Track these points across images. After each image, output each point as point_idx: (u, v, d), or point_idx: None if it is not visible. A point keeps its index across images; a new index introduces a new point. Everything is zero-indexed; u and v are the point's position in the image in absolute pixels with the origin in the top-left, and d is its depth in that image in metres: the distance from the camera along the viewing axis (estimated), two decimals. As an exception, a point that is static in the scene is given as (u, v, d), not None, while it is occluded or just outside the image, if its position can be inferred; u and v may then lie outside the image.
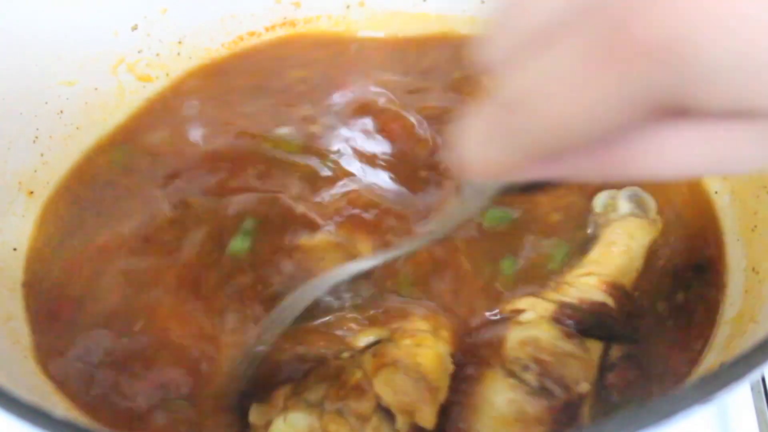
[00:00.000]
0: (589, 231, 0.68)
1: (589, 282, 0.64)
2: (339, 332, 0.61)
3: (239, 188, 0.72)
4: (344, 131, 0.78)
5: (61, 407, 0.58)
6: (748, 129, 0.31)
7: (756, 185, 0.70)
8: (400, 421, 0.54)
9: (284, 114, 0.80)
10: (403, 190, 0.72)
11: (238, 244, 0.67)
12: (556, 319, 0.61)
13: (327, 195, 0.71)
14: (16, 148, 0.73)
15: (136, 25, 0.83)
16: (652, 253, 0.67)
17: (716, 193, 0.72)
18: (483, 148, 0.35)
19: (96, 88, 0.81)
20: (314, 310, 0.61)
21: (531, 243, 0.68)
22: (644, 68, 0.28)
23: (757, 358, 0.42)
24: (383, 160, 0.75)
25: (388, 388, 0.55)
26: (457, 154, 0.36)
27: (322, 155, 0.76)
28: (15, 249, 0.70)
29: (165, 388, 0.60)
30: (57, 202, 0.75)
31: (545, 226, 0.69)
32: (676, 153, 0.32)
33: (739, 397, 0.66)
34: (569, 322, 0.61)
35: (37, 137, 0.76)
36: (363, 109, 0.80)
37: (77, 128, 0.79)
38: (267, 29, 0.90)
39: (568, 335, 0.60)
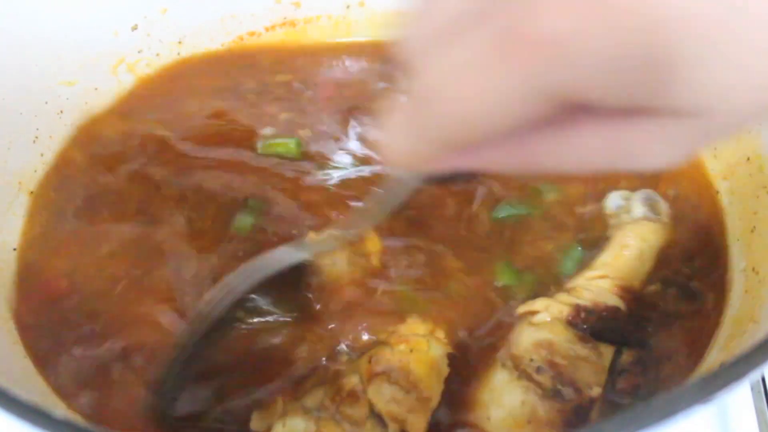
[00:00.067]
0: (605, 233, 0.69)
1: (602, 285, 0.64)
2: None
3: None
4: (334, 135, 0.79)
5: (61, 407, 0.58)
6: (649, 127, 0.33)
7: (756, 185, 0.70)
8: (392, 429, 0.55)
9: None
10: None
11: (243, 221, 0.68)
12: (571, 322, 0.61)
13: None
14: (16, 148, 0.73)
15: (136, 25, 0.83)
16: (660, 256, 0.67)
17: (717, 193, 0.72)
18: (402, 138, 0.37)
19: (96, 88, 0.81)
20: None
21: (540, 244, 0.69)
22: (538, 64, 0.29)
23: (757, 358, 0.42)
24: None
25: (380, 397, 0.56)
26: (381, 144, 0.37)
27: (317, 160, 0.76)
28: (15, 249, 0.70)
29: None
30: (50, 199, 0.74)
31: (555, 226, 0.69)
32: (582, 147, 0.34)
33: (739, 397, 0.66)
34: (584, 325, 0.61)
35: (37, 137, 0.76)
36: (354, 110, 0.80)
37: (77, 128, 0.79)
38: (267, 29, 0.90)
39: (582, 339, 0.60)
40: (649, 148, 0.34)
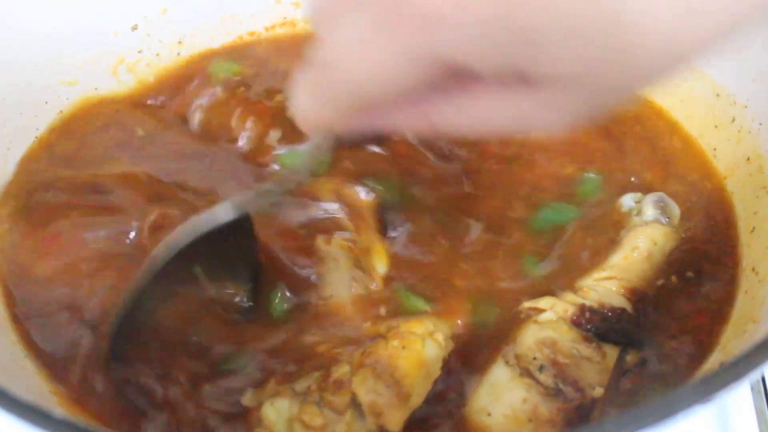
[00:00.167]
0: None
1: (610, 287, 0.64)
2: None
3: None
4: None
5: (60, 407, 0.58)
6: (534, 95, 0.37)
7: (756, 185, 0.70)
8: (369, 421, 0.55)
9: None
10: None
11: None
12: (575, 322, 0.61)
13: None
14: (16, 148, 0.73)
15: (136, 25, 0.83)
16: (667, 256, 0.67)
17: (724, 191, 0.72)
18: (308, 102, 0.40)
19: (96, 88, 0.81)
20: None
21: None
22: (417, 35, 0.33)
23: (757, 358, 0.42)
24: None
25: (362, 388, 0.56)
26: (291, 109, 0.42)
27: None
28: (15, 249, 0.70)
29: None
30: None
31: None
32: (477, 112, 0.39)
33: (739, 397, 0.66)
34: (588, 325, 0.61)
35: (37, 137, 0.76)
36: None
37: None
38: (267, 29, 0.90)
39: (587, 339, 0.60)
40: (537, 114, 0.38)
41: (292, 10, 0.90)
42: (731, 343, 0.60)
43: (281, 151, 0.74)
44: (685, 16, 0.34)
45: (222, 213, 0.57)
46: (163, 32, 0.85)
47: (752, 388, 0.66)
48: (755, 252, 0.66)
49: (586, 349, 0.60)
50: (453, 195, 0.72)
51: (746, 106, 0.73)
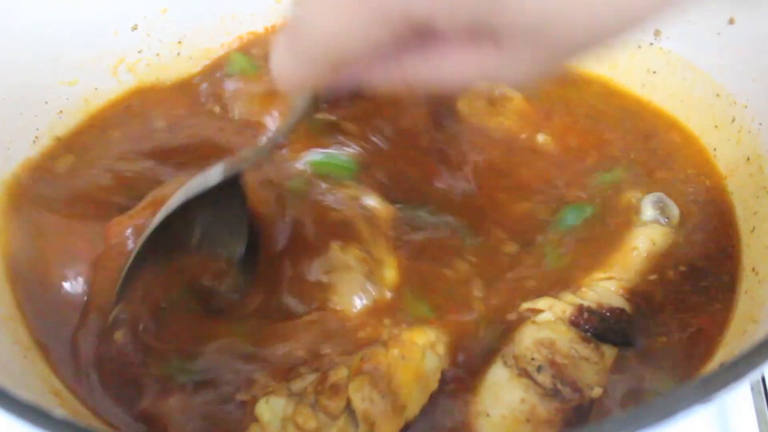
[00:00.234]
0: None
1: (607, 286, 0.64)
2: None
3: None
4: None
5: (60, 407, 0.58)
6: (496, 50, 0.39)
7: (756, 185, 0.70)
8: (362, 429, 0.55)
9: None
10: None
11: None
12: (574, 322, 0.61)
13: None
14: (16, 148, 0.73)
15: (136, 25, 0.83)
16: (666, 257, 0.67)
17: (727, 192, 0.72)
18: (284, 62, 0.43)
19: (96, 88, 0.81)
20: None
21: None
22: None
23: (757, 358, 0.42)
24: None
25: (358, 395, 0.56)
26: (271, 70, 0.44)
27: None
28: (15, 249, 0.70)
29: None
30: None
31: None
32: (447, 66, 0.41)
33: (739, 397, 0.66)
34: (586, 326, 0.61)
35: (37, 137, 0.76)
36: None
37: (77, 128, 0.79)
38: (267, 29, 0.90)
39: (585, 339, 0.61)
40: (501, 68, 0.41)
41: (292, 10, 0.90)
42: (731, 343, 0.60)
43: (315, 156, 0.72)
44: None
45: (214, 175, 0.59)
46: (163, 32, 0.85)
47: (752, 388, 0.66)
48: (755, 252, 0.66)
49: (585, 350, 0.60)
50: (464, 203, 0.72)
51: (746, 106, 0.73)
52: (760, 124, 0.71)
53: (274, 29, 0.90)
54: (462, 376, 0.60)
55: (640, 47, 0.83)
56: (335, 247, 0.66)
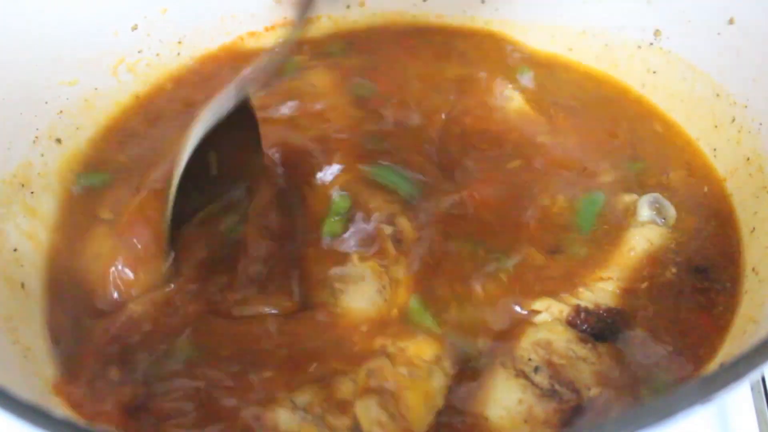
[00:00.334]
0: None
1: (606, 287, 0.64)
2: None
3: None
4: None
5: (60, 407, 0.58)
6: None
7: (756, 186, 0.70)
8: None
9: None
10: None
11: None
12: (571, 323, 0.61)
13: None
14: (16, 148, 0.73)
15: (136, 25, 0.83)
16: (664, 257, 0.67)
17: (729, 195, 0.72)
18: None
19: (96, 88, 0.81)
20: None
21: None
22: None
23: (757, 358, 0.42)
24: None
25: (366, 415, 0.56)
26: None
27: None
28: (15, 249, 0.70)
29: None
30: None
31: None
32: None
33: (739, 397, 0.66)
34: (584, 326, 0.61)
35: (37, 137, 0.76)
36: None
37: (77, 128, 0.79)
38: (267, 29, 0.90)
39: (582, 339, 0.61)
40: None
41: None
42: (731, 343, 0.60)
43: (337, 194, 0.72)
44: None
45: (227, 98, 0.60)
46: (163, 32, 0.85)
47: (752, 388, 0.66)
48: (755, 252, 0.66)
49: (582, 350, 0.60)
50: (473, 220, 0.72)
51: (746, 106, 0.73)
52: (760, 124, 0.71)
53: (274, 29, 0.90)
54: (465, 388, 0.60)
55: (640, 47, 0.83)
56: (355, 256, 0.66)
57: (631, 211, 0.70)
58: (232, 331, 0.63)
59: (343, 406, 0.56)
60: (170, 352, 0.62)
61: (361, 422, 0.55)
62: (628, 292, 0.64)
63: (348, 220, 0.70)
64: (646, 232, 0.68)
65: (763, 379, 0.66)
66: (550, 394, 0.57)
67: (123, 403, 0.58)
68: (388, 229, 0.68)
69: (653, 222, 0.68)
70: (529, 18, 0.89)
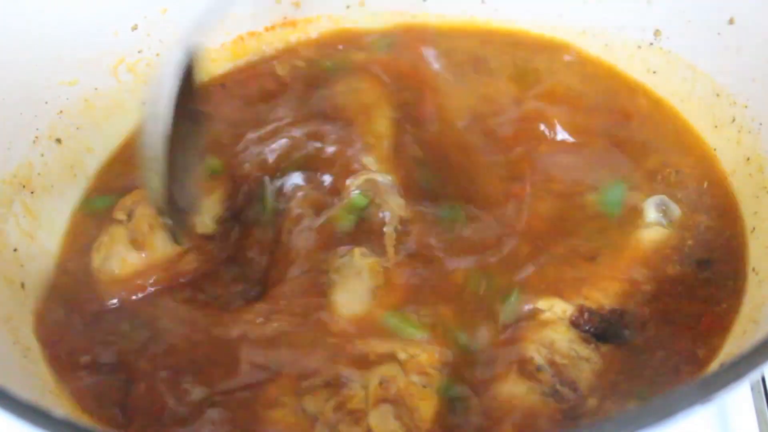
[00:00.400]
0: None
1: (611, 288, 0.64)
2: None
3: None
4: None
5: (60, 407, 0.58)
6: None
7: (756, 186, 0.69)
8: None
9: None
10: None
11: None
12: (574, 323, 0.61)
13: None
14: (16, 148, 0.73)
15: (136, 25, 0.83)
16: (669, 258, 0.67)
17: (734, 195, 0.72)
18: None
19: (96, 88, 0.81)
20: None
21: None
22: None
23: (757, 358, 0.42)
24: None
25: (381, 426, 0.55)
26: None
27: None
28: (15, 249, 0.70)
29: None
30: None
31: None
32: None
33: (739, 397, 0.66)
34: (587, 326, 0.61)
35: (37, 137, 0.76)
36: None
37: (77, 128, 0.79)
38: (267, 29, 0.90)
39: (585, 340, 0.61)
40: None
41: (292, 10, 0.90)
42: (731, 343, 0.60)
43: (354, 192, 0.72)
44: None
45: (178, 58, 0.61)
46: (163, 32, 0.85)
47: (752, 388, 0.66)
48: (755, 252, 0.66)
49: (584, 350, 0.60)
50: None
51: (746, 106, 0.73)
52: (760, 124, 0.71)
53: (274, 29, 0.90)
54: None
55: (640, 47, 0.83)
56: (357, 251, 0.66)
57: (636, 212, 0.70)
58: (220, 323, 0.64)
59: (356, 417, 0.56)
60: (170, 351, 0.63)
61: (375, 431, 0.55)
62: (633, 292, 0.64)
63: (361, 218, 0.70)
64: (652, 233, 0.68)
65: (763, 379, 0.66)
66: (552, 393, 0.57)
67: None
68: (394, 234, 0.68)
69: (659, 223, 0.68)
70: (529, 18, 0.89)
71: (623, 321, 0.62)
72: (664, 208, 0.69)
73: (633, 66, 0.84)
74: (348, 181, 0.72)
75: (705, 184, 0.73)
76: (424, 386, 0.58)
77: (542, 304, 0.63)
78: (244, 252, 0.71)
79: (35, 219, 0.73)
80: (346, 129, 0.78)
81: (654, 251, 0.67)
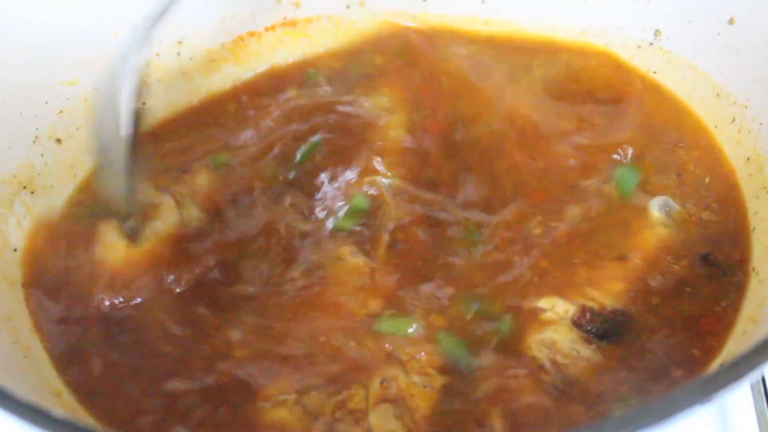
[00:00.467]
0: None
1: (613, 288, 0.64)
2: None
3: None
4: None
5: (60, 407, 0.58)
6: None
7: (756, 186, 0.70)
8: None
9: None
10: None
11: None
12: (576, 323, 0.61)
13: None
14: (16, 148, 0.73)
15: (136, 25, 0.83)
16: (672, 258, 0.67)
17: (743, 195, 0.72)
18: None
19: (96, 88, 0.81)
20: None
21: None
22: None
23: (757, 358, 0.42)
24: None
25: (380, 425, 0.55)
26: None
27: None
28: (15, 249, 0.70)
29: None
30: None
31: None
32: None
33: (739, 397, 0.66)
34: (588, 326, 0.61)
35: (37, 137, 0.76)
36: None
37: (77, 128, 0.79)
38: (267, 29, 0.90)
39: (587, 340, 0.61)
40: None
41: (293, 10, 0.90)
42: (731, 343, 0.60)
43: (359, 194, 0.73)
44: None
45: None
46: (163, 32, 0.84)
47: (752, 388, 0.66)
48: (755, 252, 0.66)
49: (586, 350, 0.60)
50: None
51: (746, 106, 0.73)
52: (761, 124, 0.71)
53: (274, 29, 0.90)
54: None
55: (640, 47, 0.83)
56: (346, 249, 0.67)
57: (639, 212, 0.69)
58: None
59: (356, 417, 0.56)
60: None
61: (375, 431, 0.55)
62: (635, 292, 0.64)
63: (360, 220, 0.70)
64: (655, 233, 0.67)
65: (763, 379, 0.66)
66: (553, 392, 0.57)
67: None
68: (387, 236, 0.68)
69: (662, 224, 0.68)
70: (529, 18, 0.89)
71: (625, 321, 0.62)
72: (667, 208, 0.69)
73: (633, 66, 0.84)
74: (353, 180, 0.73)
75: (707, 180, 0.73)
76: (425, 386, 0.58)
77: (544, 303, 0.63)
78: (241, 250, 0.71)
79: (35, 219, 0.73)
80: (362, 130, 0.79)
81: (656, 251, 0.67)
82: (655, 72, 0.82)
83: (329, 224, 0.71)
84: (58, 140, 0.77)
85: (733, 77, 0.75)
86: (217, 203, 0.73)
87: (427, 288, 0.66)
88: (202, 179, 0.74)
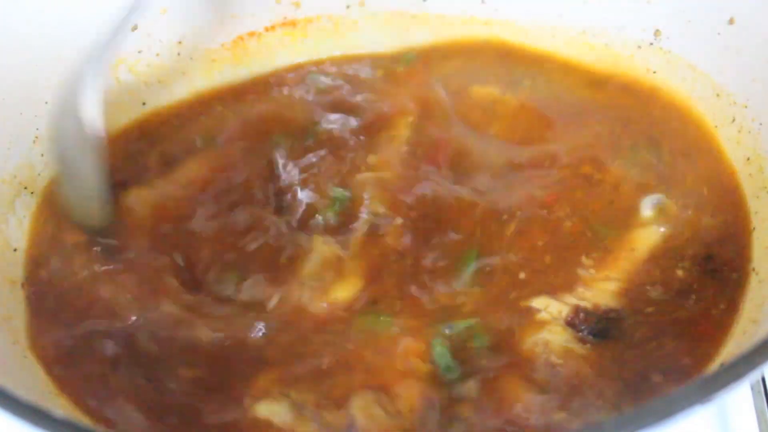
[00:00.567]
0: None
1: (607, 287, 0.64)
2: None
3: None
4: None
5: (60, 407, 0.58)
6: None
7: (756, 186, 0.70)
8: None
9: None
10: None
11: None
12: (570, 323, 0.61)
13: None
14: (16, 148, 0.73)
15: (136, 25, 0.83)
16: (666, 257, 0.67)
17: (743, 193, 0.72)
18: None
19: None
20: None
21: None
22: None
23: (757, 358, 0.42)
24: None
25: (363, 413, 0.55)
26: None
27: None
28: (15, 249, 0.70)
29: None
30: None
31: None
32: None
33: (739, 397, 0.66)
34: (582, 326, 0.61)
35: (37, 137, 0.76)
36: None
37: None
38: (267, 29, 0.90)
39: (581, 340, 0.60)
40: None
41: (293, 10, 0.90)
42: (731, 343, 0.60)
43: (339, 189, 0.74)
44: None
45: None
46: (163, 32, 0.85)
47: (752, 388, 0.66)
48: (755, 252, 0.66)
49: (581, 350, 0.60)
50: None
51: (746, 106, 0.73)
52: (761, 124, 0.71)
53: (274, 29, 0.90)
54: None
55: (640, 47, 0.83)
56: (319, 238, 0.68)
57: (633, 210, 0.69)
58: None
59: (340, 405, 0.56)
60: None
61: (357, 419, 0.55)
62: (629, 291, 0.64)
63: (341, 214, 0.71)
64: (648, 232, 0.67)
65: (763, 379, 0.66)
66: (548, 391, 0.57)
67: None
68: (364, 227, 0.68)
69: (656, 222, 0.68)
70: (529, 18, 0.89)
71: (620, 320, 0.62)
72: (660, 206, 0.69)
73: (633, 66, 0.84)
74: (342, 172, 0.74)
75: (707, 180, 0.73)
76: (408, 375, 0.58)
77: (537, 304, 0.63)
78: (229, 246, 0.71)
79: (35, 218, 0.73)
80: (363, 128, 0.80)
81: (651, 250, 0.67)
82: (655, 72, 0.82)
83: (313, 218, 0.71)
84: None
85: (733, 77, 0.75)
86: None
87: (411, 287, 0.66)
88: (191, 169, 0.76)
